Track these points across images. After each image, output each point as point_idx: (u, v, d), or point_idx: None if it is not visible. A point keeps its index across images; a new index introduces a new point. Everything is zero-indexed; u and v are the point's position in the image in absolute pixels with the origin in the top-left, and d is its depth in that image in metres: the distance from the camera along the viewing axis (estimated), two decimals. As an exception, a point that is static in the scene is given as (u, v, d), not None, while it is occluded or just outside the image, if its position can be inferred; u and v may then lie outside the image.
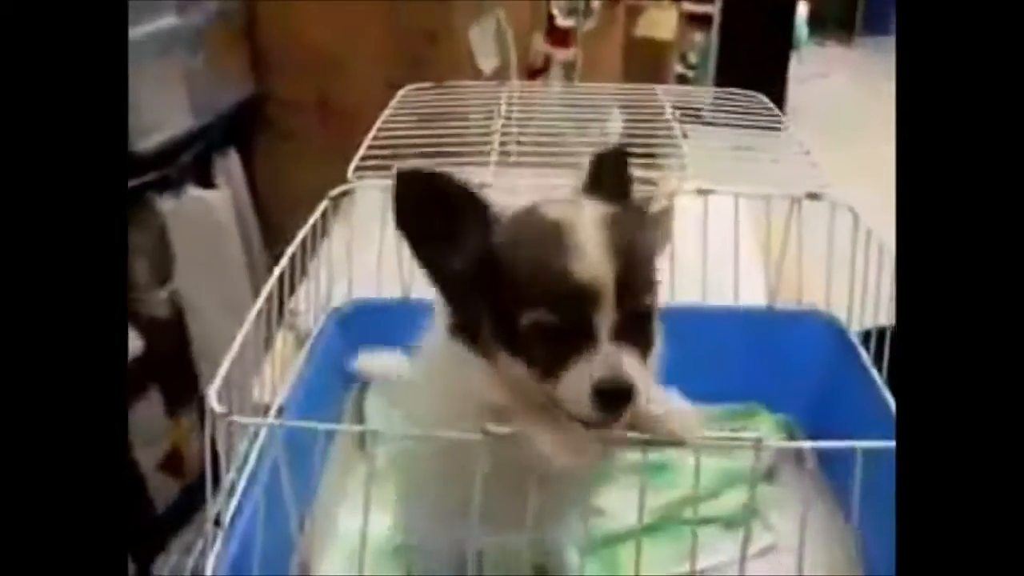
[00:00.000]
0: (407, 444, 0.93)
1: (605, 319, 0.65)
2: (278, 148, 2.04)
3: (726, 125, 1.33)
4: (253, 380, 1.18)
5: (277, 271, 0.91)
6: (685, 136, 1.16)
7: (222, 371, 0.75)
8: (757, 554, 1.02)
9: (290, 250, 0.96)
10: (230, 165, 2.02)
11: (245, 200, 2.04)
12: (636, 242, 0.70)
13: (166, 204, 1.84)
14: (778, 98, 4.78)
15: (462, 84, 1.45)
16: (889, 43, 6.27)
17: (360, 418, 1.15)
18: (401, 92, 1.41)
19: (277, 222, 1.99)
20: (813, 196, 1.07)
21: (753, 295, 1.16)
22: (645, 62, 3.43)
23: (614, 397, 0.65)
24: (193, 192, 1.91)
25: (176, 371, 2.00)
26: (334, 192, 1.09)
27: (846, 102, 5.34)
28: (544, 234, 0.68)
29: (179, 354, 2.00)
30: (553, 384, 0.66)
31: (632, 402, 0.65)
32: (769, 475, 1.13)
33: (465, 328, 0.71)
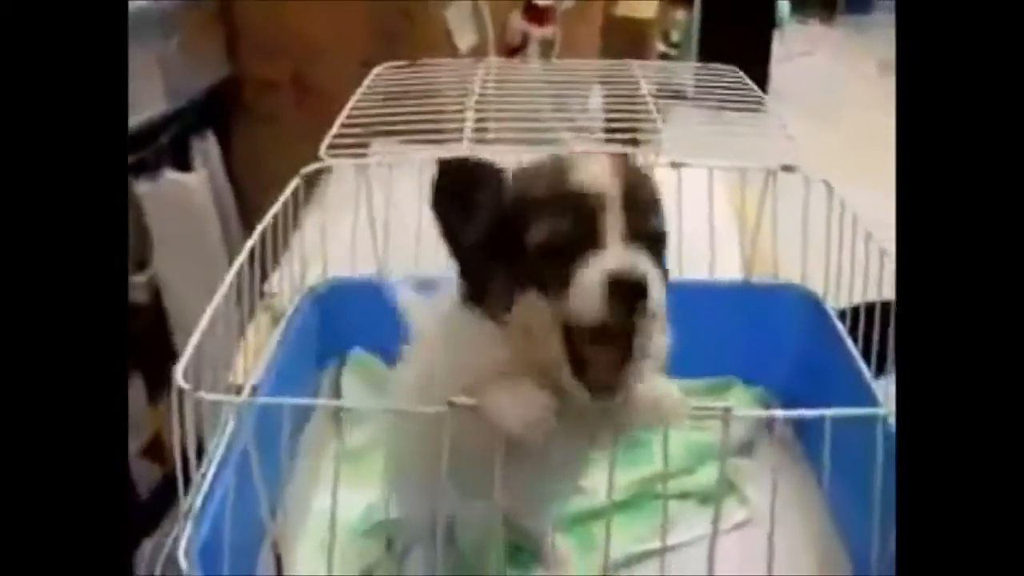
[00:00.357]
0: (390, 420, 0.93)
1: (615, 224, 0.65)
2: (255, 130, 2.02)
3: (702, 99, 1.32)
4: (230, 363, 1.19)
5: (248, 246, 0.90)
6: (659, 111, 1.15)
7: (190, 347, 0.75)
8: (732, 528, 1.02)
9: (260, 227, 0.95)
10: (207, 147, 2.00)
11: (223, 182, 2.02)
12: (642, 174, 0.71)
13: (142, 188, 1.82)
14: (761, 76, 4.77)
15: (437, 62, 1.43)
16: (870, 22, 6.28)
17: (337, 397, 1.15)
18: (375, 71, 1.40)
19: (255, 204, 1.96)
20: (788, 168, 1.07)
21: (729, 269, 1.16)
22: (625, 41, 3.40)
23: (627, 291, 0.63)
24: (170, 175, 1.88)
25: (156, 356, 1.99)
26: (306, 170, 1.08)
27: (828, 80, 5.33)
28: (551, 165, 0.70)
29: (159, 339, 1.98)
30: (564, 297, 0.65)
31: (646, 301, 0.63)
32: (746, 449, 1.13)
33: (477, 293, 0.71)
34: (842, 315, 1.05)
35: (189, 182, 1.92)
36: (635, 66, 1.36)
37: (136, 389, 1.98)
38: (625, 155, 0.75)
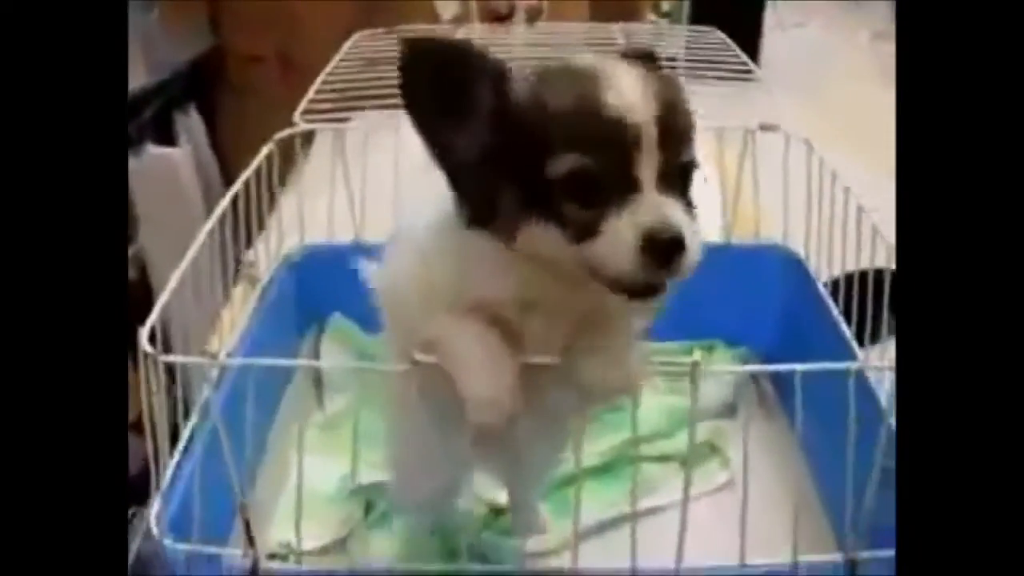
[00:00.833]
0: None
1: (649, 164, 0.58)
2: (239, 103, 2.01)
3: (685, 61, 1.31)
4: (207, 336, 1.18)
5: (218, 210, 0.89)
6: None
7: (156, 308, 0.74)
8: (714, 491, 1.02)
9: (232, 191, 0.94)
10: (191, 122, 1.99)
11: (207, 156, 2.01)
12: (675, 89, 0.63)
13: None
14: (752, 47, 4.73)
15: (415, 28, 1.42)
16: (866, -10, 6.23)
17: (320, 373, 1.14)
18: (353, 38, 1.39)
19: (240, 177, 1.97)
20: (767, 127, 1.05)
21: (710, 230, 1.15)
22: (615, 11, 3.38)
23: (664, 248, 0.58)
24: (153, 150, 1.88)
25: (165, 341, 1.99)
26: (280, 135, 1.07)
27: (821, 51, 5.30)
28: (576, 77, 0.61)
29: (145, 314, 1.98)
30: (590, 244, 0.59)
31: (683, 258, 0.59)
32: (729, 411, 1.13)
33: (480, 214, 0.63)
34: (834, 285, 1.04)
35: (173, 157, 1.91)
36: (618, 30, 1.35)
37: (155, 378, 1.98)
38: (658, 67, 0.66)
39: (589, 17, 3.21)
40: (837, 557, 0.71)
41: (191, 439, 0.79)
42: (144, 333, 0.70)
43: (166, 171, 1.90)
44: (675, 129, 0.60)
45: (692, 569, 0.70)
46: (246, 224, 1.09)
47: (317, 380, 1.13)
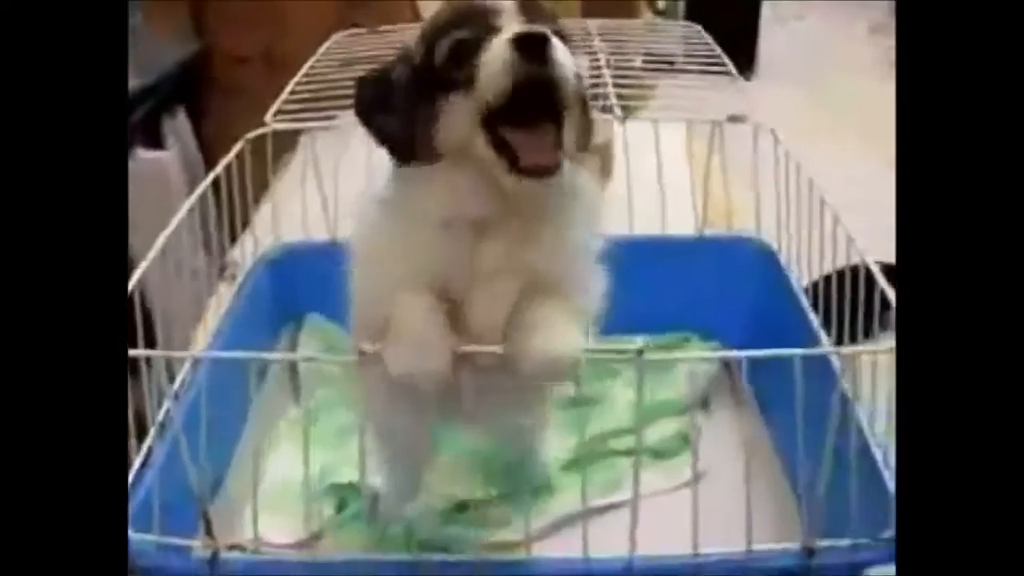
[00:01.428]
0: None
1: (511, 19, 0.68)
2: (226, 104, 2.02)
3: (654, 54, 1.31)
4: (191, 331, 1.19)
5: (186, 205, 0.91)
6: (609, 65, 1.14)
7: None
8: (684, 484, 1.02)
9: (200, 188, 0.95)
10: (178, 124, 1.99)
11: (196, 159, 2.01)
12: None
13: (114, 166, 1.83)
14: (750, 42, 4.74)
15: (395, 28, 1.42)
16: (863, -15, 6.22)
17: (293, 362, 1.15)
18: (333, 38, 1.39)
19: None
20: (735, 119, 1.06)
21: (685, 223, 1.15)
22: (609, 7, 3.38)
23: (529, 42, 0.65)
24: (142, 154, 1.88)
25: (133, 332, 2.00)
26: (251, 135, 1.08)
27: (819, 45, 5.29)
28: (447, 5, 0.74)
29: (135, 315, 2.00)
30: (478, 85, 0.67)
31: (549, 48, 0.65)
32: (704, 404, 1.13)
33: (407, 150, 0.72)
34: (813, 287, 1.03)
35: (162, 160, 1.92)
36: (592, 25, 1.35)
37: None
38: None
39: (581, 15, 3.22)
40: (793, 546, 0.71)
41: (160, 433, 0.80)
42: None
43: (155, 175, 1.90)
44: (537, 11, 0.69)
45: (646, 558, 0.70)
46: (230, 222, 1.10)
47: (293, 376, 1.13)
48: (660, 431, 1.06)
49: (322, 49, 1.33)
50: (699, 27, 1.37)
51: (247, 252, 1.14)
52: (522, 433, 0.97)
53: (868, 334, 1.38)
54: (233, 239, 1.19)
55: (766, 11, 5.06)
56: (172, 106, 1.97)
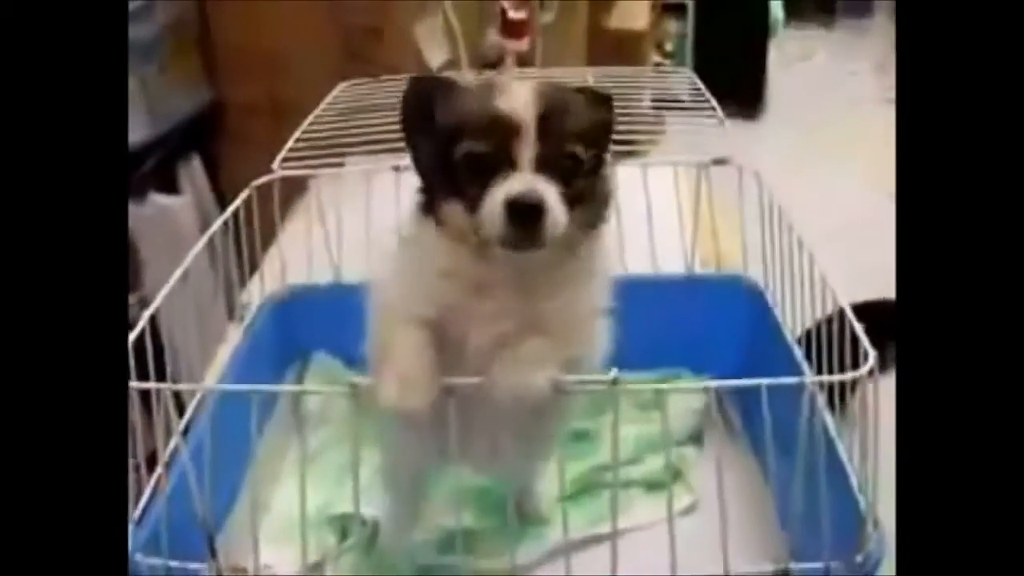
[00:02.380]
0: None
1: (526, 150, 0.72)
2: (238, 152, 2.07)
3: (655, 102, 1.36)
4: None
5: (195, 249, 0.95)
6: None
7: (131, 336, 0.80)
8: (677, 514, 1.05)
9: (209, 232, 1.00)
10: (193, 171, 2.06)
11: (210, 205, 2.07)
12: (566, 97, 0.77)
13: (131, 211, 1.88)
14: (757, 84, 4.82)
15: (399, 77, 1.48)
16: (869, 25, 6.30)
17: (298, 401, 1.19)
18: (337, 88, 1.45)
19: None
20: (719, 162, 1.10)
21: (673, 263, 1.19)
22: (616, 53, 3.45)
23: (524, 211, 0.71)
24: (157, 199, 1.95)
25: (145, 368, 2.05)
26: (258, 182, 1.13)
27: (826, 85, 5.36)
28: (484, 87, 0.78)
29: (154, 357, 2.04)
30: (479, 212, 0.73)
31: (543, 220, 0.71)
32: (695, 439, 1.16)
33: (428, 200, 0.80)
34: (806, 337, 1.06)
35: (175, 205, 1.98)
36: (588, 73, 1.40)
37: (132, 406, 2.04)
38: (554, 83, 0.82)
39: (587, 60, 3.29)
40: (768, 568, 0.75)
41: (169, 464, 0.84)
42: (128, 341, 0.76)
43: (168, 219, 1.96)
44: (556, 125, 0.74)
45: None
46: (239, 267, 1.15)
47: (298, 414, 1.17)
48: (651, 464, 1.09)
49: (328, 98, 1.39)
50: (691, 73, 1.42)
51: (255, 294, 1.19)
52: (523, 469, 1.01)
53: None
54: (243, 283, 1.24)
55: (772, 53, 5.15)
56: (187, 153, 2.03)
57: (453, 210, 0.76)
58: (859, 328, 0.79)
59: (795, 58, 5.65)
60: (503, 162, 0.73)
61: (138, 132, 1.87)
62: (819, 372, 0.96)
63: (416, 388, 0.72)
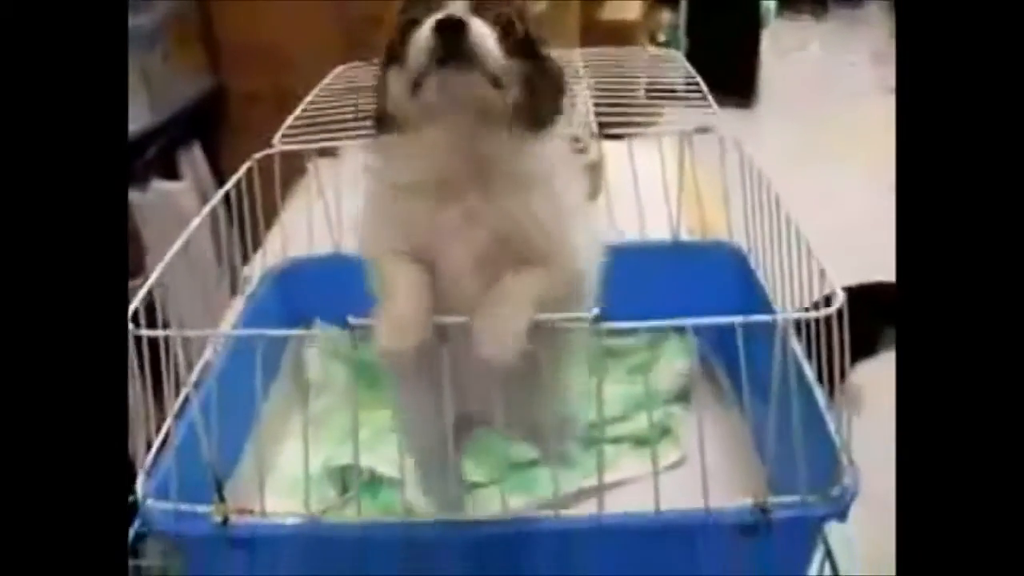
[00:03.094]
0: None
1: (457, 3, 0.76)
2: (239, 140, 2.11)
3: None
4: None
5: (196, 221, 0.99)
6: (590, 88, 1.23)
7: (142, 291, 0.86)
8: (666, 468, 1.09)
9: (211, 203, 1.04)
10: (194, 158, 2.10)
11: (210, 189, 2.12)
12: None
13: (134, 197, 1.93)
14: (749, 74, 4.86)
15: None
16: (862, 15, 6.34)
17: (300, 369, 1.24)
18: (336, 70, 1.49)
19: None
20: (702, 130, 1.14)
21: (661, 232, 1.24)
22: (610, 43, 3.47)
23: (446, 27, 0.74)
24: (159, 185, 1.99)
25: (157, 360, 2.09)
26: (258, 155, 1.17)
27: (821, 74, 5.40)
28: None
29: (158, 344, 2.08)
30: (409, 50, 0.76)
31: (465, 34, 0.74)
32: (683, 397, 1.21)
33: (385, 123, 0.83)
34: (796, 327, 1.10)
35: (177, 190, 2.03)
36: (577, 54, 1.44)
37: (139, 390, 2.08)
38: None
39: (580, 46, 3.32)
40: (747, 502, 0.79)
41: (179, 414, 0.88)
42: (128, 312, 0.80)
43: (171, 204, 2.01)
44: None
45: (613, 515, 0.78)
46: (242, 242, 1.20)
47: (299, 380, 1.22)
48: (640, 422, 1.14)
49: (326, 80, 1.43)
50: (679, 54, 1.46)
51: (257, 267, 1.23)
52: (530, 416, 1.03)
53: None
54: (245, 259, 1.29)
55: (768, 43, 5.19)
56: (187, 140, 2.07)
57: (397, 83, 0.79)
58: (828, 268, 0.83)
59: (789, 48, 5.69)
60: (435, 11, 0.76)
61: (141, 120, 1.92)
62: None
63: (404, 330, 0.75)
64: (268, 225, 1.27)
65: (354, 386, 1.11)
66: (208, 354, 0.99)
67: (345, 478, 1.05)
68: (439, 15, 0.75)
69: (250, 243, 1.24)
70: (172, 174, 2.05)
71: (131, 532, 0.90)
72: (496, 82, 0.76)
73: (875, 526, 1.04)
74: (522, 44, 0.80)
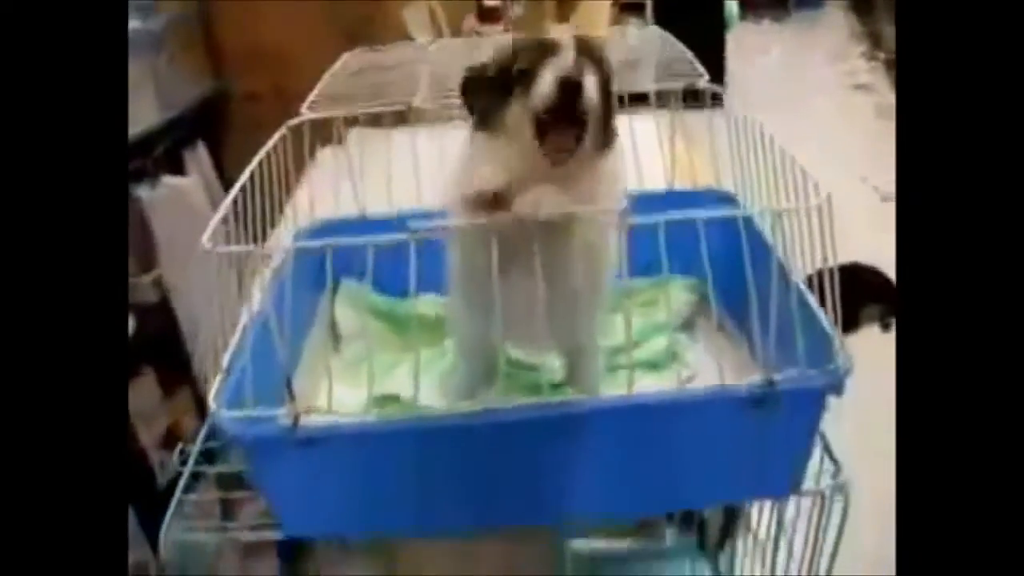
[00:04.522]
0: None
1: (568, 50, 0.96)
2: (241, 138, 2.22)
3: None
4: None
5: (237, 186, 1.08)
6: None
7: (220, 212, 0.99)
8: (679, 385, 1.20)
9: (248, 169, 1.13)
10: (199, 157, 2.19)
11: (216, 187, 2.21)
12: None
13: (143, 193, 2.02)
14: (717, 75, 5.00)
15: (396, 45, 1.64)
16: (821, 15, 6.55)
17: (331, 322, 1.34)
18: (345, 55, 1.60)
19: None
20: (690, 87, 1.26)
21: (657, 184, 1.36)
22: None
23: (566, 87, 0.93)
24: (167, 180, 2.08)
25: (168, 352, 2.16)
26: (292, 122, 1.27)
27: (783, 76, 5.58)
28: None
29: (169, 336, 2.16)
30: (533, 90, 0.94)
31: (581, 95, 0.93)
32: (688, 326, 1.32)
33: (483, 121, 1.02)
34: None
35: (185, 186, 2.12)
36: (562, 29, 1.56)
37: (150, 383, 2.15)
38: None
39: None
40: (757, 378, 0.90)
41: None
42: (205, 235, 0.89)
43: (179, 199, 2.10)
44: (591, 52, 0.98)
45: (637, 395, 0.92)
46: (270, 209, 1.29)
47: (333, 330, 1.31)
48: (652, 348, 1.25)
49: (337, 64, 1.54)
50: (660, 30, 1.58)
51: (289, 227, 1.32)
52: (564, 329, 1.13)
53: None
54: (274, 223, 1.38)
55: (732, 46, 5.36)
56: (193, 139, 2.17)
57: (511, 110, 0.98)
58: (808, 171, 0.95)
59: (752, 50, 5.87)
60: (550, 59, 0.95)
61: (149, 120, 2.01)
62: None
63: (494, 174, 0.95)
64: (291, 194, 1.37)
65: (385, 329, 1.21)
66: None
67: (385, 405, 1.15)
68: (559, 72, 0.93)
69: (279, 206, 1.33)
70: (179, 171, 2.14)
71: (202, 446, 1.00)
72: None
73: (875, 526, 1.18)
74: (605, 84, 0.99)
